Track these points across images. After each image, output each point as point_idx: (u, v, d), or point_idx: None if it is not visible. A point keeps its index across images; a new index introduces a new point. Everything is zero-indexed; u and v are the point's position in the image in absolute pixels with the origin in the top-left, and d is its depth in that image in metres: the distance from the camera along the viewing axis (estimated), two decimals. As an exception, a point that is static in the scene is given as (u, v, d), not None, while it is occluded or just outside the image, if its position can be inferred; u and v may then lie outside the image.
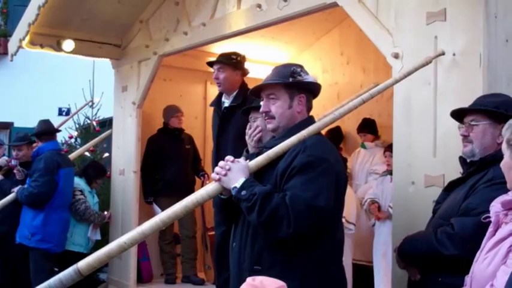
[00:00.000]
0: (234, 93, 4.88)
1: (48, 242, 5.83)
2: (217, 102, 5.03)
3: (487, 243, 2.23)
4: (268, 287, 2.19)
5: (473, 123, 2.87)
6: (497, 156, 2.55)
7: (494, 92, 3.05)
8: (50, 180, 5.83)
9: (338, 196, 2.80)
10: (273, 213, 2.60)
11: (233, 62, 4.87)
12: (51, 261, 5.76)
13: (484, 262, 2.17)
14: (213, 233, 6.68)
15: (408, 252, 2.98)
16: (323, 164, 2.71)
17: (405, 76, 3.31)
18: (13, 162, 6.42)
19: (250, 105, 3.76)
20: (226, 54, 4.97)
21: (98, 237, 6.49)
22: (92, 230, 6.41)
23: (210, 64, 5.01)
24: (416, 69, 3.32)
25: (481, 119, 2.85)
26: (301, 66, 2.99)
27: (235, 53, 4.99)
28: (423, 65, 3.33)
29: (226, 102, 4.93)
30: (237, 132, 4.72)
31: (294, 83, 2.90)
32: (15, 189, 5.96)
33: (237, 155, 4.53)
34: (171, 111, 6.78)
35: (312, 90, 3.01)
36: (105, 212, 6.72)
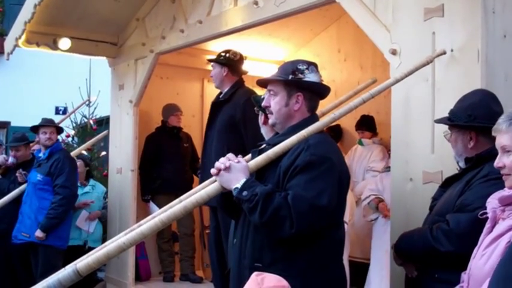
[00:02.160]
0: (226, 90, 5.00)
1: (61, 239, 5.89)
2: (217, 99, 5.16)
3: (485, 239, 2.23)
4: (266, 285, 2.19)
5: (444, 133, 3.01)
6: (493, 153, 2.56)
7: (478, 89, 3.06)
8: (77, 179, 6.05)
9: (340, 195, 2.78)
10: (275, 214, 2.58)
11: (220, 59, 5.03)
12: (60, 258, 5.78)
13: (482, 258, 2.17)
14: (211, 230, 6.71)
15: (404, 249, 2.98)
16: (326, 163, 2.69)
17: (406, 76, 3.30)
18: (10, 159, 6.40)
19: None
20: (220, 52, 5.13)
21: (87, 228, 6.52)
22: (83, 220, 6.47)
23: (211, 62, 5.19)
24: (417, 69, 3.31)
25: (451, 128, 2.94)
26: (310, 64, 2.94)
27: (225, 50, 5.11)
28: (424, 65, 3.33)
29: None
30: (221, 126, 4.85)
31: (292, 81, 2.89)
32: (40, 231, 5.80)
33: (220, 148, 4.64)
34: (171, 109, 6.78)
35: (314, 90, 2.95)
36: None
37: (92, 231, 6.56)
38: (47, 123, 6.14)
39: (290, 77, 2.87)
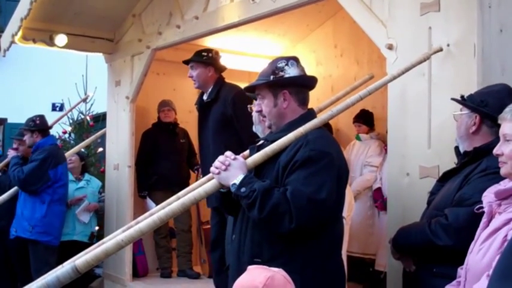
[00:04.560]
0: (209, 89, 4.97)
1: (49, 235, 5.88)
2: (200, 100, 5.11)
3: (481, 234, 2.23)
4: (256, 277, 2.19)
5: (455, 113, 2.95)
6: (491, 146, 2.56)
7: (498, 83, 3.02)
8: (42, 171, 5.89)
9: (339, 190, 2.79)
10: (274, 209, 2.59)
11: (204, 59, 4.97)
12: (52, 254, 5.77)
13: (479, 253, 2.17)
14: (208, 226, 6.70)
15: (402, 244, 2.98)
16: (325, 158, 2.70)
17: (403, 72, 3.30)
18: None
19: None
20: (198, 52, 5.07)
21: (85, 219, 6.55)
22: (82, 211, 6.48)
23: (186, 63, 5.10)
24: (414, 66, 3.31)
25: (463, 109, 2.90)
26: (288, 59, 2.94)
27: (206, 50, 5.10)
28: (421, 61, 3.33)
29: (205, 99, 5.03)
30: (215, 125, 4.81)
31: (274, 81, 2.89)
32: (10, 155, 6.13)
33: (218, 147, 4.62)
34: (160, 105, 6.80)
35: (299, 83, 2.96)
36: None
37: (86, 222, 6.57)
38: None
39: (271, 77, 2.89)
